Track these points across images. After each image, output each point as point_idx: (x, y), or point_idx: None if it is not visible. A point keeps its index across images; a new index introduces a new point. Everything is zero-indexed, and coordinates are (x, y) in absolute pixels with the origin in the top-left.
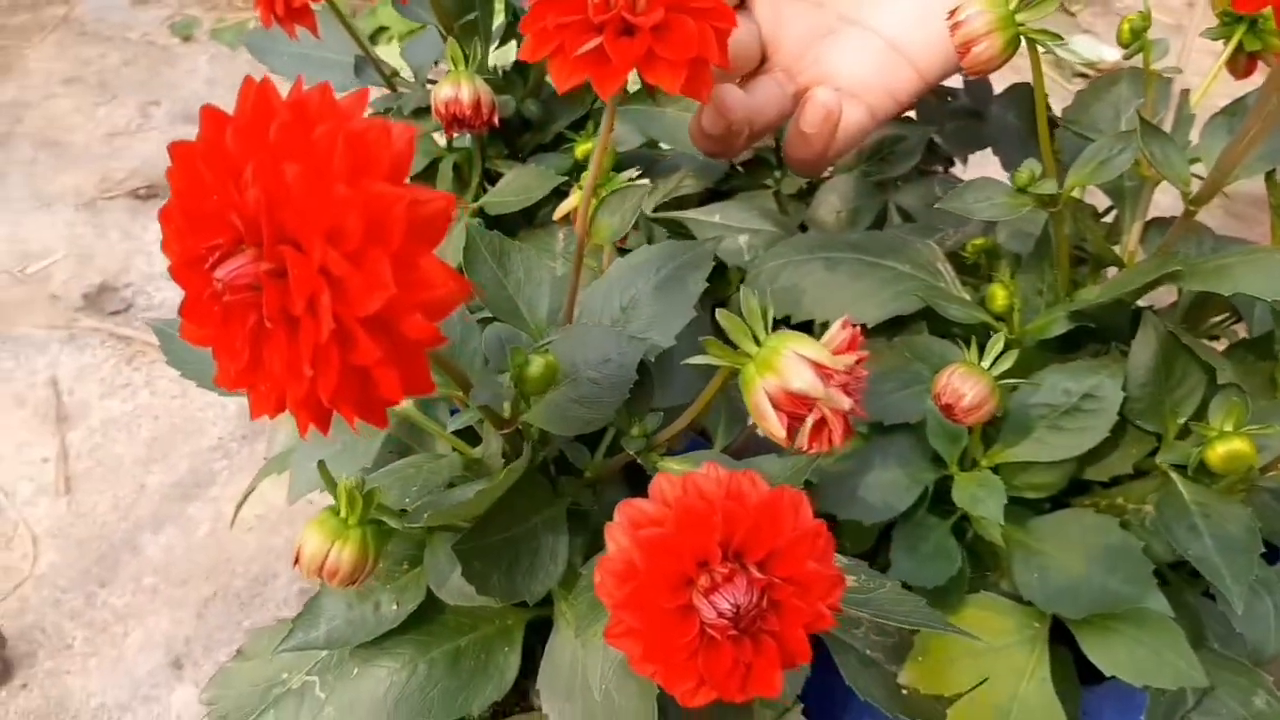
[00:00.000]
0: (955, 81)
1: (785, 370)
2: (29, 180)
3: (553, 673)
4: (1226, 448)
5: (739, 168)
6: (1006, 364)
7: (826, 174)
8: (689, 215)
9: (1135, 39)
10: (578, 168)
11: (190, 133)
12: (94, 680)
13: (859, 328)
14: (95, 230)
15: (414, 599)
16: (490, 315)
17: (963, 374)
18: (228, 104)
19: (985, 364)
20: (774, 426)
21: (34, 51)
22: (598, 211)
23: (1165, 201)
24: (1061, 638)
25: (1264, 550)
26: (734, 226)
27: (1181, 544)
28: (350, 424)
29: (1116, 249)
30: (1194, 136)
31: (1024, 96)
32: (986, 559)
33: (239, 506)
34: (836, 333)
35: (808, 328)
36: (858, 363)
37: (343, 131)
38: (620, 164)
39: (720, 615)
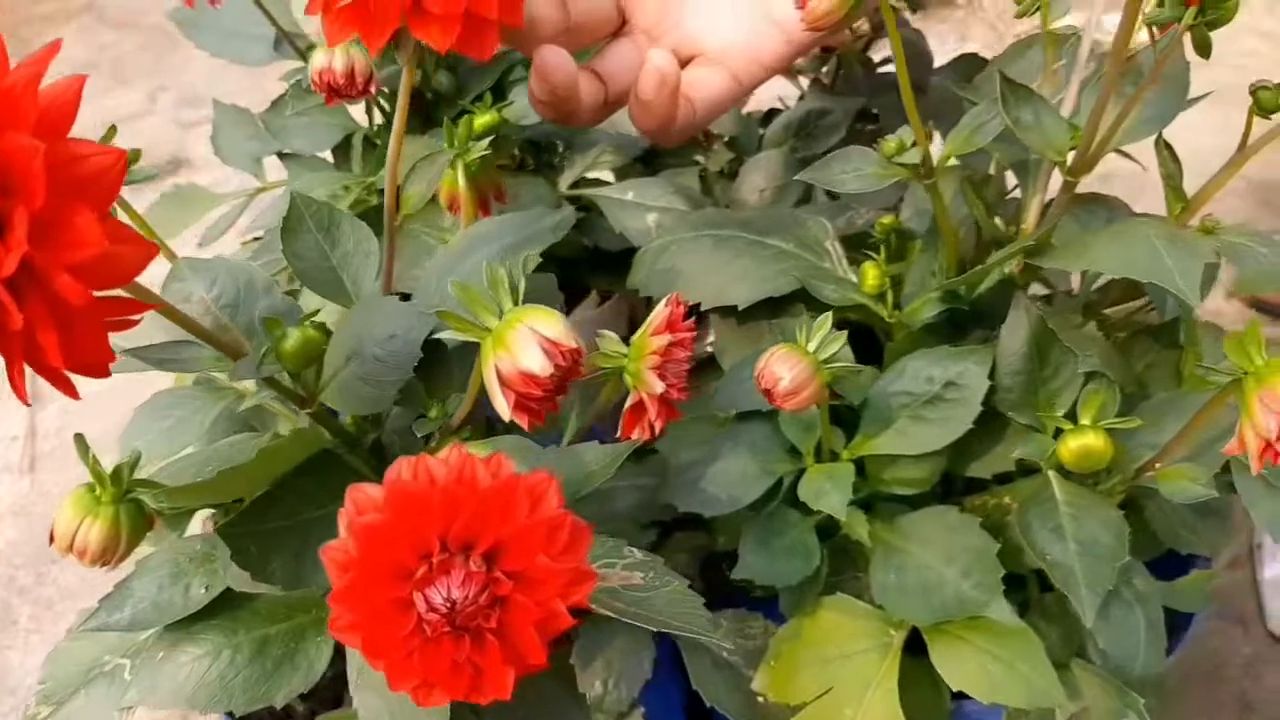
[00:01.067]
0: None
1: (516, 347)
2: None
3: (361, 664)
4: (1078, 443)
5: None
6: (834, 345)
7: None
8: (600, 193)
9: None
10: (474, 138)
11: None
12: (35, 657)
13: (693, 307)
14: None
15: (224, 583)
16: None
17: (782, 355)
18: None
19: (811, 345)
20: (501, 406)
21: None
22: (406, 180)
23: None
24: None
25: (1146, 561)
26: (645, 205)
27: (1040, 547)
28: (17, 390)
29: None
30: None
31: (971, 66)
32: (857, 559)
33: None
34: (659, 311)
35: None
36: (675, 345)
37: None
38: (532, 138)
39: (433, 609)
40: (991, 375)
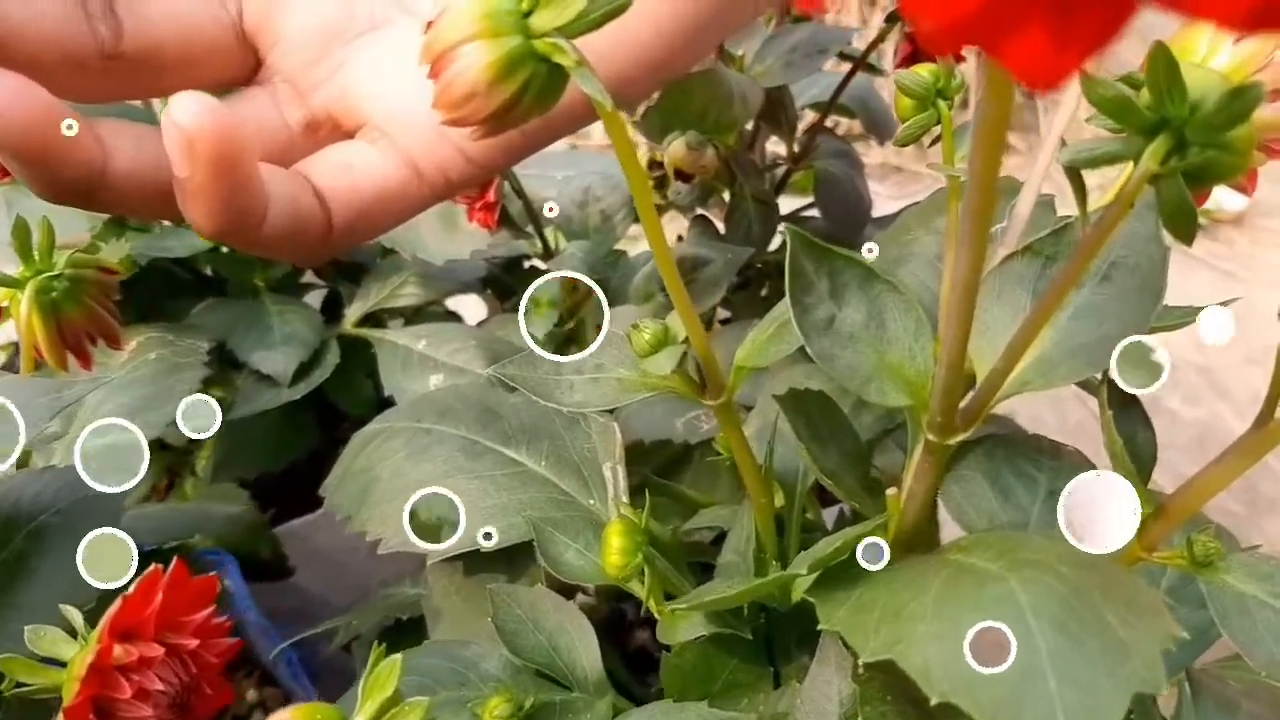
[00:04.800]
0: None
1: None
2: None
3: None
4: None
5: (504, 274)
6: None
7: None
8: (385, 336)
9: (920, 111)
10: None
11: None
12: None
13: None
14: None
15: None
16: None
17: None
18: None
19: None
20: None
21: None
22: None
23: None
24: None
25: None
26: (435, 360)
27: None
28: None
29: (893, 491)
30: None
31: (930, 212)
32: None
33: None
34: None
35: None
36: (126, 669)
37: None
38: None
39: None
40: None
